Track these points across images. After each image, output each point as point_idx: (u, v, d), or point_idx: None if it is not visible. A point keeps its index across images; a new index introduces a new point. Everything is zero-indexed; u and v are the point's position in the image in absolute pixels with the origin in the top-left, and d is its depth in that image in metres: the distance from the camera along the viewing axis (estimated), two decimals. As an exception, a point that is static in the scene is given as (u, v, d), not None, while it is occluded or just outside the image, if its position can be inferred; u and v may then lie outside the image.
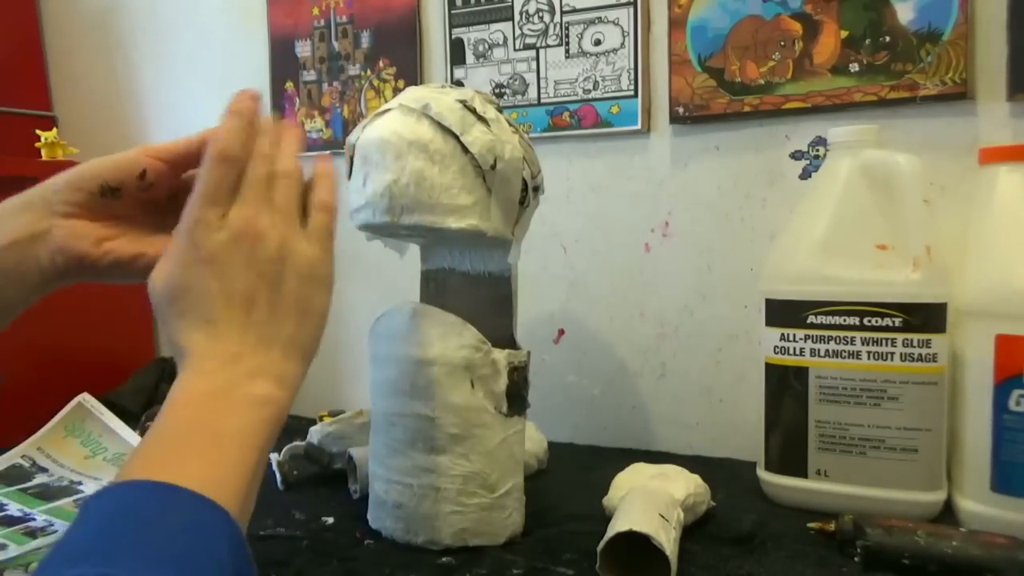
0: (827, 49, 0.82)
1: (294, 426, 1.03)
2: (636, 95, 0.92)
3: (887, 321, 0.67)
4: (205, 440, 0.39)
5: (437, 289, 0.75)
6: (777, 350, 0.72)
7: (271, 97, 1.16)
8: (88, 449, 0.89)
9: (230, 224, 0.43)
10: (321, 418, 0.95)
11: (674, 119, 0.91)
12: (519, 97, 0.99)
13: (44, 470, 0.85)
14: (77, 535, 0.33)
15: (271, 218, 0.44)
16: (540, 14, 0.97)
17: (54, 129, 1.22)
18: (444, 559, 0.62)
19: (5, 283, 0.48)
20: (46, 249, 0.49)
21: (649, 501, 0.61)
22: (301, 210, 0.47)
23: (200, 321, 0.42)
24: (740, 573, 0.59)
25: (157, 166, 0.50)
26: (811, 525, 0.64)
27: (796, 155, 0.86)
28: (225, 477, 0.38)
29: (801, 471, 0.71)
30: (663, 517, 0.58)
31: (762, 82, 0.85)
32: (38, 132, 1.19)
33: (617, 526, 0.56)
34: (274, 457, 0.84)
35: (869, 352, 0.68)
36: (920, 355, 0.66)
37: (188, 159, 0.51)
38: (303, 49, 1.14)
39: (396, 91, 1.04)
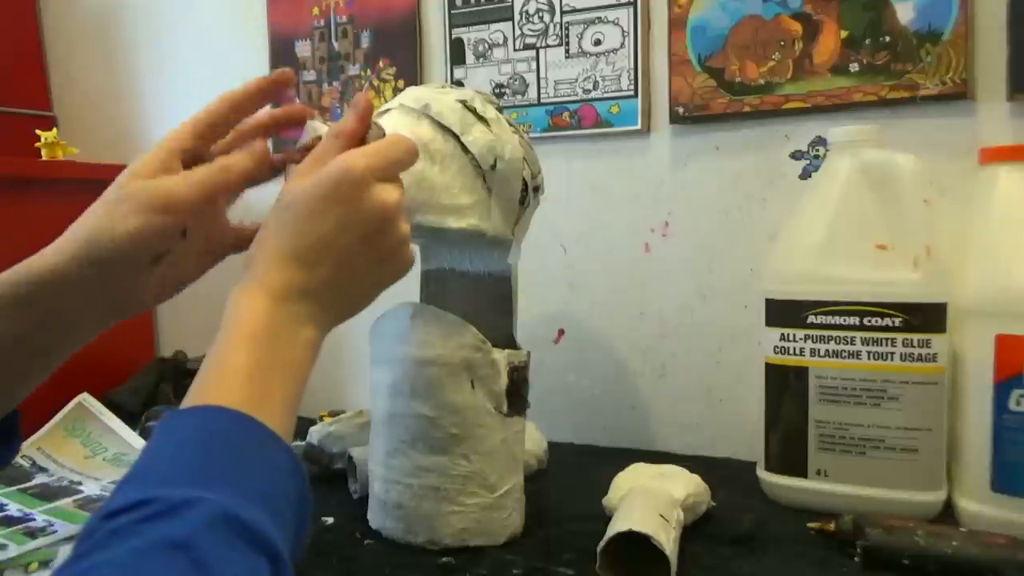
0: (827, 49, 0.82)
1: (294, 426, 1.03)
2: (636, 95, 0.92)
3: (887, 321, 0.67)
4: (279, 377, 0.40)
5: (437, 289, 0.75)
6: (777, 350, 0.72)
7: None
8: (88, 449, 0.89)
9: (390, 197, 0.45)
10: (321, 418, 0.95)
11: (674, 119, 0.91)
12: (519, 97, 0.99)
13: (44, 470, 0.85)
14: (167, 453, 0.33)
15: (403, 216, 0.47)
16: (540, 14, 0.97)
17: (54, 129, 1.22)
18: (444, 559, 0.62)
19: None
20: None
21: (649, 501, 0.61)
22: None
23: (308, 244, 0.43)
24: (740, 573, 0.59)
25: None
26: (811, 525, 0.64)
27: (796, 155, 0.86)
28: (288, 417, 0.39)
29: (801, 471, 0.71)
30: (663, 517, 0.58)
31: (762, 82, 0.85)
32: (38, 132, 1.18)
33: (617, 526, 0.56)
34: (274, 457, 0.84)
35: (869, 352, 0.68)
36: (920, 355, 0.66)
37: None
38: (303, 49, 1.14)
39: (396, 91, 1.04)
